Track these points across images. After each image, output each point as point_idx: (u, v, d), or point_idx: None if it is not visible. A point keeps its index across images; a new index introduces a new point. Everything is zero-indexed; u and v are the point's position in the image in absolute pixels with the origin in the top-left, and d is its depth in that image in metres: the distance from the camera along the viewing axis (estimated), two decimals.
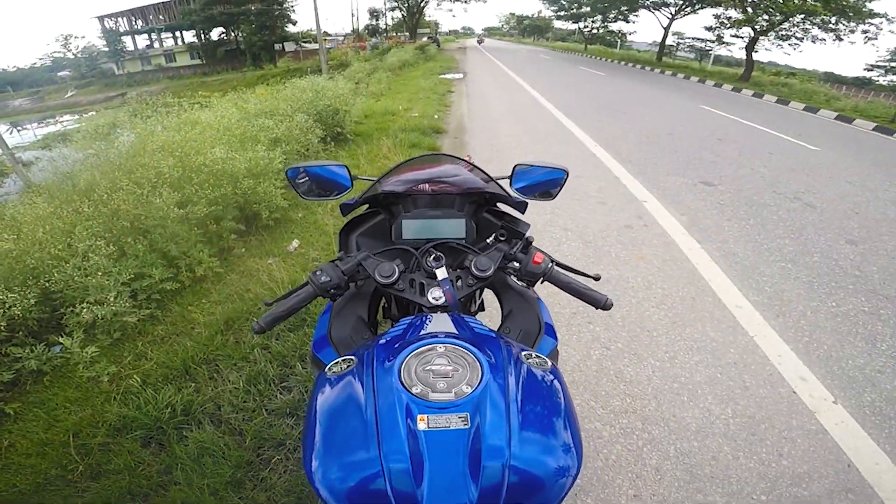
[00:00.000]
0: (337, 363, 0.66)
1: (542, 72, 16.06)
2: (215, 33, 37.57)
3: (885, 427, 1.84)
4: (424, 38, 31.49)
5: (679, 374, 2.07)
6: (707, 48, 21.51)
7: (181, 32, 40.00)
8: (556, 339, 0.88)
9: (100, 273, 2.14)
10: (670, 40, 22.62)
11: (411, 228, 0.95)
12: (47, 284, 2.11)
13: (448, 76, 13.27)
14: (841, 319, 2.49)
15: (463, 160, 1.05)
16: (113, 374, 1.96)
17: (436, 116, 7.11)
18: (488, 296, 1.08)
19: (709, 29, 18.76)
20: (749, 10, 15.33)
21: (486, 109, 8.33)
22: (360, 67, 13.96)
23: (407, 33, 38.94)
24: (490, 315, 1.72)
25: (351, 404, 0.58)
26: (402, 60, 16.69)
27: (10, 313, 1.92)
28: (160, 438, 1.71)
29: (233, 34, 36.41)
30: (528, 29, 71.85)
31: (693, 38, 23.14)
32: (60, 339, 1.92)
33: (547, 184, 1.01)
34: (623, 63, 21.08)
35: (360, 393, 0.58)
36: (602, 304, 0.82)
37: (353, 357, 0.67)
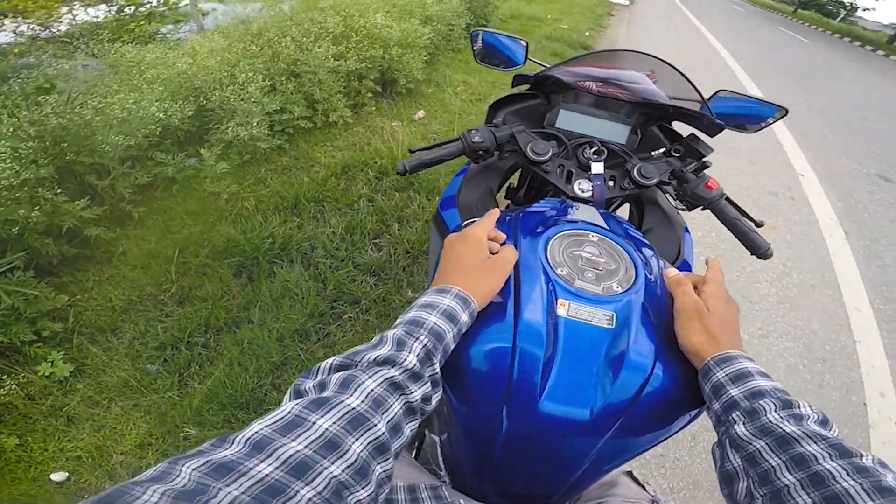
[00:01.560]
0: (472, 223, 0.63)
1: (729, 22, 13.49)
2: None
3: None
4: None
5: (761, 353, 1.97)
6: None
7: None
8: None
9: (252, 101, 2.30)
10: None
11: (568, 119, 0.88)
12: (205, 102, 2.31)
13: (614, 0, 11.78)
14: None
15: (658, 59, 0.88)
16: (233, 193, 2.07)
17: (586, 34, 6.50)
18: (622, 213, 1.00)
19: None
20: None
21: (645, 40, 7.40)
22: None
23: None
24: None
25: None
26: None
27: (169, 121, 2.05)
28: (252, 270, 1.74)
29: None
30: None
31: None
32: (201, 151, 2.03)
33: (750, 117, 0.89)
34: (839, 37, 16.77)
35: None
36: (763, 251, 0.73)
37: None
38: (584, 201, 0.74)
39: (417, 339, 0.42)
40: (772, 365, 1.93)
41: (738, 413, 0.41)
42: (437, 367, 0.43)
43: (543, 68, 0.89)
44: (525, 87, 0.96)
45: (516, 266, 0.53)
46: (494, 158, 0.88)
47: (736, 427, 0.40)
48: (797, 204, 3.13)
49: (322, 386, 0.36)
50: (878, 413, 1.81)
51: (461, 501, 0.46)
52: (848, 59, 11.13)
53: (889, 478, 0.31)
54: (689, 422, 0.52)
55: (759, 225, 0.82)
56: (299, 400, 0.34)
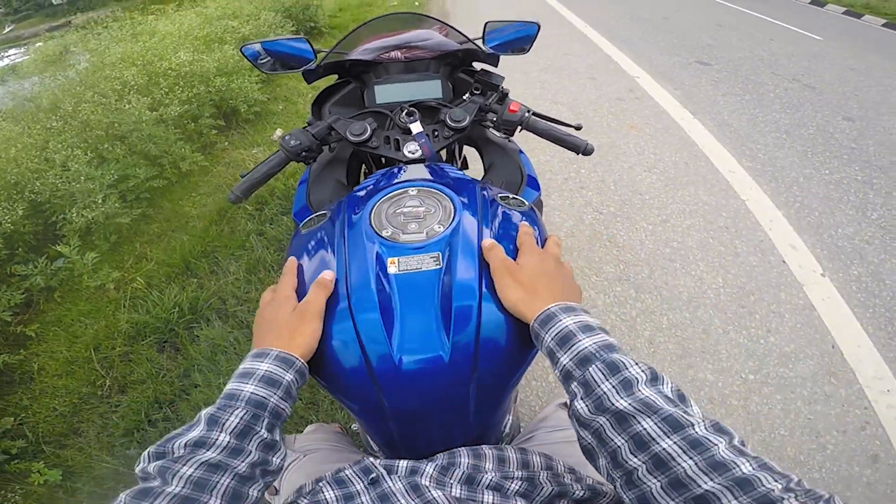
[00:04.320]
0: (310, 219, 0.65)
1: None
2: None
3: (868, 306, 1.81)
4: None
5: (671, 239, 2.09)
6: None
7: None
8: (538, 190, 0.87)
9: (83, 178, 2.14)
10: None
11: (385, 92, 0.92)
12: (32, 196, 2.11)
13: None
14: (833, 187, 2.49)
15: (431, 18, 0.99)
16: (117, 279, 1.99)
17: (416, 4, 6.56)
18: (472, 155, 1.07)
19: None
20: None
21: None
22: None
23: None
24: (473, 173, 1.70)
25: (322, 256, 0.56)
26: None
27: (3, 228, 1.92)
28: (174, 341, 1.73)
29: None
30: None
31: None
32: (59, 249, 1.92)
33: (520, 40, 0.97)
34: None
35: (331, 243, 0.56)
36: (582, 149, 0.80)
37: (325, 212, 0.64)
38: (420, 161, 0.77)
39: (233, 413, 0.42)
40: (683, 245, 2.06)
41: (575, 385, 0.41)
42: (267, 431, 0.43)
43: (330, 53, 0.92)
44: (334, 76, 0.98)
45: (347, 245, 0.54)
46: (330, 154, 0.90)
47: (577, 403, 0.40)
48: (643, 101, 3.47)
49: (145, 475, 0.37)
50: (800, 267, 1.97)
51: (387, 465, 0.46)
52: None
53: (721, 448, 0.32)
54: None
55: (577, 128, 0.90)
56: (127, 491, 0.35)
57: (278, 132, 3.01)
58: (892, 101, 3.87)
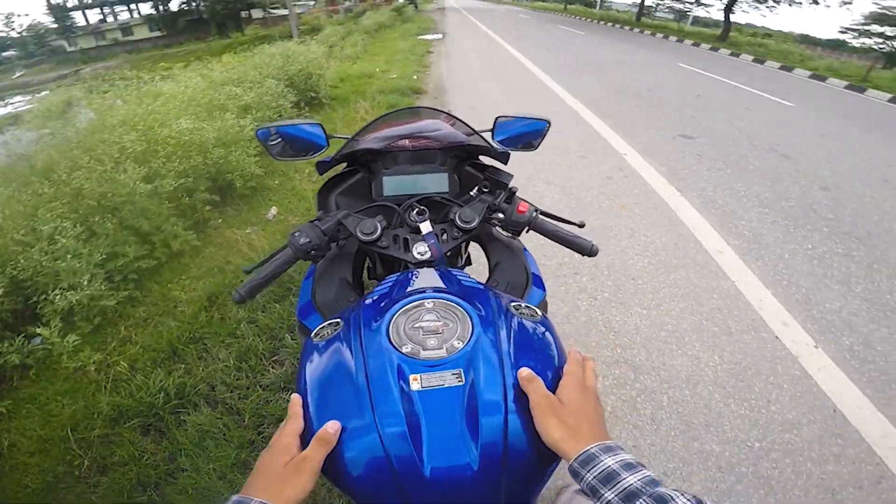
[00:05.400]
0: (323, 328, 0.64)
1: (521, 31, 15.61)
2: (175, 3, 35.66)
3: (864, 371, 1.88)
4: (401, 0, 30.21)
5: (665, 322, 2.11)
6: (686, 9, 21.17)
7: (136, 4, 37.65)
8: (544, 289, 0.87)
9: (69, 256, 2.03)
10: (649, 1, 22.13)
11: (392, 185, 0.92)
12: (14, 272, 1.99)
13: (427, 37, 12.79)
14: (817, 262, 2.56)
15: (444, 112, 1.02)
16: (99, 361, 1.91)
17: (414, 77, 6.87)
18: (475, 251, 1.07)
19: None
20: None
21: (466, 69, 8.10)
22: (333, 31, 13.40)
23: None
24: (477, 270, 1.72)
25: (341, 370, 0.56)
26: (377, 23, 16.00)
27: None
28: (158, 425, 1.67)
29: (193, 3, 34.47)
30: None
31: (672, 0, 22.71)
32: (38, 330, 1.84)
33: (529, 135, 0.99)
34: (602, 23, 20.64)
35: (350, 357, 0.56)
36: (588, 250, 0.82)
37: (339, 320, 0.64)
38: (428, 262, 0.77)
39: None
40: (678, 327, 2.08)
41: None
42: None
43: (346, 144, 0.91)
44: (343, 165, 0.98)
45: (366, 359, 0.54)
46: (336, 251, 0.88)
47: None
48: (631, 179, 3.58)
49: None
50: (793, 342, 2.02)
51: None
52: (615, 40, 13.67)
53: None
54: None
55: (581, 226, 0.92)
56: None
57: (273, 210, 2.98)
58: (861, 167, 4.07)
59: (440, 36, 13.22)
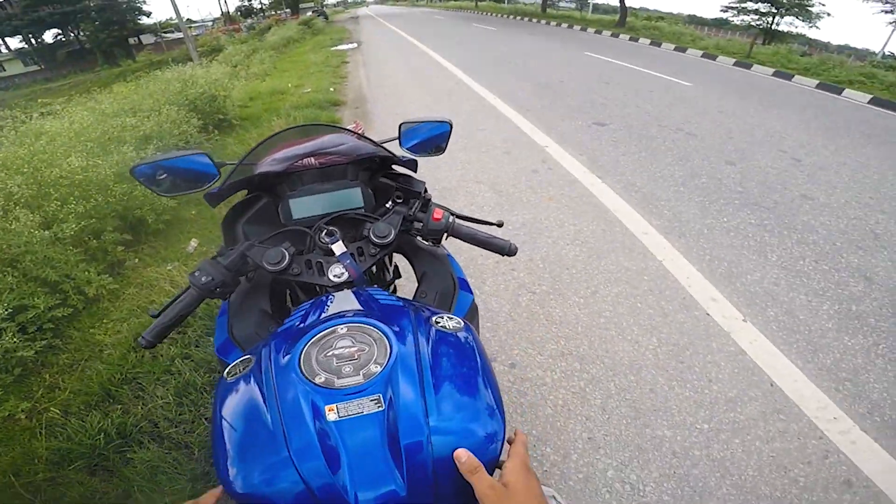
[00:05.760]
0: (235, 365, 0.61)
1: (436, 32, 15.77)
2: (49, 35, 32.27)
3: (792, 342, 1.97)
4: (309, 13, 29.30)
5: (603, 309, 2.18)
6: None
7: (3, 39, 33.44)
8: (471, 293, 0.87)
9: None
10: None
11: (301, 207, 0.87)
12: None
13: (341, 47, 12.50)
14: (734, 234, 2.77)
15: (345, 129, 0.97)
16: (28, 409, 1.83)
17: (331, 89, 6.69)
18: (403, 262, 1.04)
19: None
20: None
21: (385, 75, 8.01)
22: (236, 50, 12.76)
23: (288, 10, 36.10)
24: (407, 281, 1.70)
25: (253, 409, 0.53)
26: (285, 38, 15.42)
27: None
28: (105, 464, 1.61)
29: (72, 34, 31.39)
30: None
31: None
32: None
33: (435, 139, 0.98)
34: (512, 17, 21.45)
35: (260, 395, 0.54)
36: (506, 250, 0.82)
37: (250, 356, 0.61)
38: (348, 283, 0.74)
39: None
40: (615, 312, 2.17)
41: None
42: None
43: (235, 170, 0.85)
44: (244, 192, 0.92)
45: (278, 395, 0.52)
46: (248, 283, 0.83)
47: None
48: (555, 171, 3.73)
49: None
50: (723, 317, 2.13)
51: None
52: (525, 34, 14.22)
53: None
54: (503, 444, 0.54)
55: (499, 226, 0.92)
56: None
57: (193, 243, 2.78)
58: (758, 139, 4.53)
59: (355, 45, 12.99)
